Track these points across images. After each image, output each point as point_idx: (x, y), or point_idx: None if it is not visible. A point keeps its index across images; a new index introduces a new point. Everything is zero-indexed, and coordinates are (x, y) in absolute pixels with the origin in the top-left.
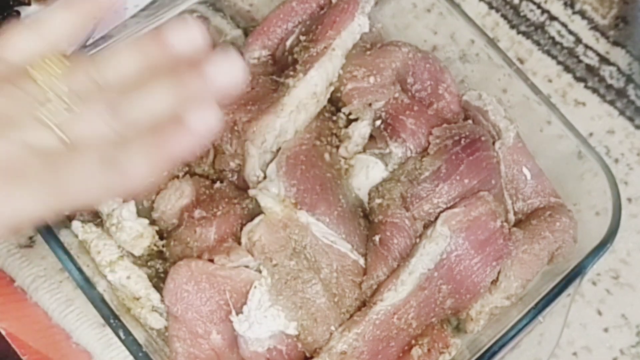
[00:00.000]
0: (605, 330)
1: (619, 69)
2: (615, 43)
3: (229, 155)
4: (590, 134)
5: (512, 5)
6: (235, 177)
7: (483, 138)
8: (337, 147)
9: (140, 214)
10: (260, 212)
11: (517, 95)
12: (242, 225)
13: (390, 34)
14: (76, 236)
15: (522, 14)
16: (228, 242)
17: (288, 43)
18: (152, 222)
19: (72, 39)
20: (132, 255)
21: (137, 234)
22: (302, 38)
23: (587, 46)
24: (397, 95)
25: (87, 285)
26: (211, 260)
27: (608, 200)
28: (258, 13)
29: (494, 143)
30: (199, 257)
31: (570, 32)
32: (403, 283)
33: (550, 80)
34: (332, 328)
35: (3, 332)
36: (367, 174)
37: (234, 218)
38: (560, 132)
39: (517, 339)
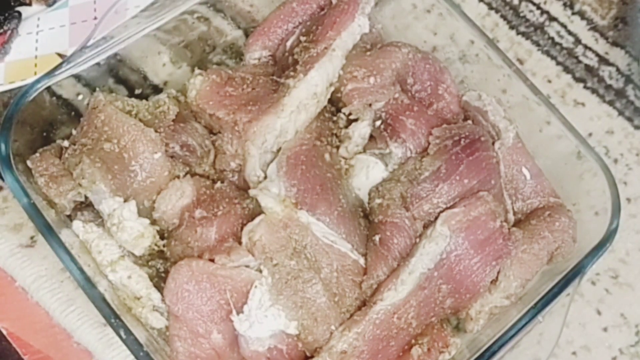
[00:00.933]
0: (605, 329)
1: (618, 70)
2: (615, 43)
3: (230, 156)
4: (590, 134)
5: (512, 6)
6: (236, 177)
7: (483, 138)
8: (337, 147)
9: (141, 214)
10: (261, 212)
11: (516, 96)
12: (243, 225)
13: (390, 35)
14: (77, 236)
15: (521, 14)
16: (229, 242)
17: (288, 44)
18: (153, 222)
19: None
20: (133, 255)
21: (138, 234)
22: (303, 39)
23: (586, 47)
24: (397, 95)
25: (88, 285)
26: (212, 260)
27: (607, 200)
28: (258, 14)
29: (493, 143)
30: (200, 256)
31: (570, 33)
32: (403, 283)
33: (549, 81)
34: (333, 327)
35: (4, 332)
36: (367, 174)
37: (235, 218)
38: (560, 133)
39: (516, 339)
